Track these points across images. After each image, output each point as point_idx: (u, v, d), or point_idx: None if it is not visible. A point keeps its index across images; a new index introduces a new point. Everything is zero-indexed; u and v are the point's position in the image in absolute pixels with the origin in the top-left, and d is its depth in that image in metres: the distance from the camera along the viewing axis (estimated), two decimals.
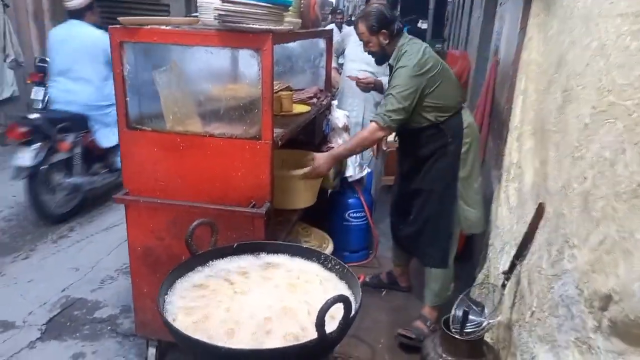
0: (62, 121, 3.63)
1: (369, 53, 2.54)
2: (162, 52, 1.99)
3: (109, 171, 4.01)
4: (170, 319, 1.35)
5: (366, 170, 3.34)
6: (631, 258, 1.00)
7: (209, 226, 1.69)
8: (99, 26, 3.77)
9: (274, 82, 3.04)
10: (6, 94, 5.83)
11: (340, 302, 1.23)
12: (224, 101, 1.99)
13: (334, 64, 4.17)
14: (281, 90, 2.72)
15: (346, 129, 3.14)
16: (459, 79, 5.39)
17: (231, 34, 1.82)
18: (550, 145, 1.70)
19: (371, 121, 2.34)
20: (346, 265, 1.63)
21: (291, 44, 3.13)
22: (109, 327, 2.54)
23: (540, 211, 1.71)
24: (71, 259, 3.20)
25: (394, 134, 2.79)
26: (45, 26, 6.20)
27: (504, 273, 1.90)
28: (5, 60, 5.53)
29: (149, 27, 1.89)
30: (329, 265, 1.68)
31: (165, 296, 1.44)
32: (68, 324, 2.56)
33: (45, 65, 5.58)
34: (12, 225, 3.64)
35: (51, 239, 3.47)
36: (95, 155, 3.93)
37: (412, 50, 2.32)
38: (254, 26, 1.78)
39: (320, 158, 2.42)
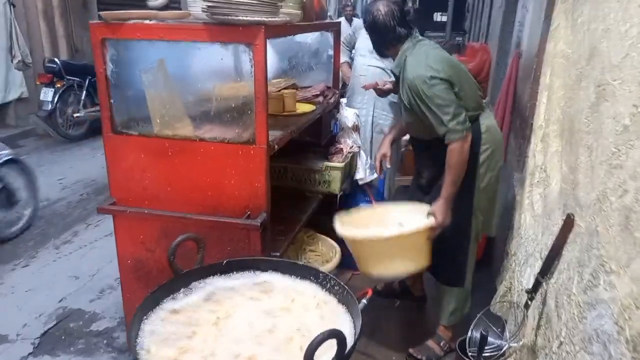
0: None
1: None
2: (148, 49, 1.83)
3: None
4: (142, 354, 1.19)
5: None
6: None
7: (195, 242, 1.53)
8: None
9: (277, 80, 2.89)
10: (14, 95, 5.81)
11: (332, 338, 1.05)
12: (216, 102, 1.82)
13: (346, 59, 3.98)
14: (284, 88, 2.55)
15: (356, 128, 2.94)
16: (478, 73, 5.16)
17: (220, 27, 1.65)
18: (581, 149, 1.48)
19: (449, 143, 2.00)
20: (346, 287, 1.45)
21: (298, 38, 2.96)
22: (104, 341, 2.41)
23: (568, 224, 1.50)
24: (72, 267, 3.08)
25: (408, 136, 2.59)
26: (55, 25, 6.15)
27: (527, 292, 1.69)
28: (12, 62, 5.48)
29: (132, 22, 1.73)
30: (328, 285, 1.50)
31: (142, 324, 1.29)
32: (63, 337, 2.44)
33: (55, 65, 5.56)
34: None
35: (54, 244, 3.37)
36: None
37: (417, 59, 2.06)
38: (245, 18, 1.61)
39: (439, 209, 2.04)
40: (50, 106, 5.38)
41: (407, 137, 2.67)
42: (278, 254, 2.00)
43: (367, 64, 3.48)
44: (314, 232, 2.71)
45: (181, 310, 1.37)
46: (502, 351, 1.72)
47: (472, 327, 1.83)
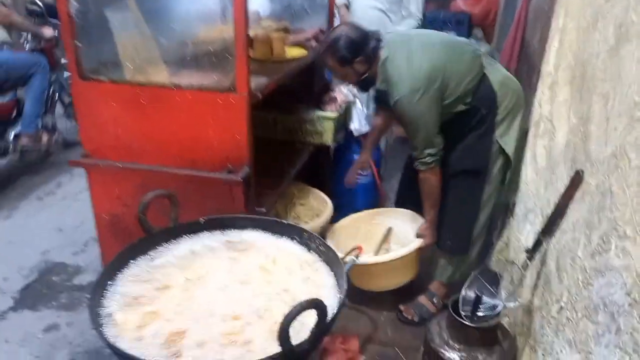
0: None
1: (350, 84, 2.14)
2: None
3: None
4: (106, 321, 1.09)
5: None
6: None
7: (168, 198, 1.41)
8: None
9: (267, 22, 2.68)
10: None
11: (311, 308, 0.95)
12: (192, 45, 1.65)
13: (343, 0, 3.72)
14: (274, 31, 2.36)
15: None
16: (483, 19, 4.89)
17: None
18: (596, 98, 1.33)
19: (418, 170, 2.00)
20: (332, 247, 1.34)
21: None
22: (87, 296, 2.33)
23: (576, 181, 1.37)
24: (56, 219, 2.99)
25: None
26: None
27: (526, 251, 1.59)
28: None
29: None
30: (313, 245, 1.40)
31: (105, 290, 1.18)
32: (45, 291, 2.37)
33: (38, 8, 5.23)
34: None
35: (37, 195, 3.26)
36: None
37: (399, 72, 1.85)
38: None
39: (427, 232, 2.13)
40: None
41: None
42: (263, 209, 1.88)
43: (366, 4, 3.25)
44: (304, 185, 2.59)
45: (151, 271, 1.27)
46: (496, 311, 1.64)
47: (466, 285, 1.74)
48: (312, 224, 2.26)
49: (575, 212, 1.33)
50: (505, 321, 1.74)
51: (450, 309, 1.71)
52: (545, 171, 1.84)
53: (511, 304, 1.60)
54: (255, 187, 1.79)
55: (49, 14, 5.36)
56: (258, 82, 1.74)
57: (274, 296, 1.20)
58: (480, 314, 1.66)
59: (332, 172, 2.94)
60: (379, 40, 1.94)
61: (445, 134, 2.01)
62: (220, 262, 1.32)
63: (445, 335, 1.69)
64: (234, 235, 1.44)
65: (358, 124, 2.88)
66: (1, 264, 2.54)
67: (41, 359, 1.99)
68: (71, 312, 2.24)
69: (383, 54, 1.91)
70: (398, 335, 2.17)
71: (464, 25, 5.75)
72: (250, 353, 1.02)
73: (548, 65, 2.03)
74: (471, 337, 1.64)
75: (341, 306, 1.10)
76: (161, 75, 1.67)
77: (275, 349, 0.95)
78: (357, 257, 1.65)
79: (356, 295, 2.29)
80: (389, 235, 2.40)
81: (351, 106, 2.77)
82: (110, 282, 1.19)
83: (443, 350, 1.66)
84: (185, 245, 1.37)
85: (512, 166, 2.06)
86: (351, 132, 2.88)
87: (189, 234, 1.42)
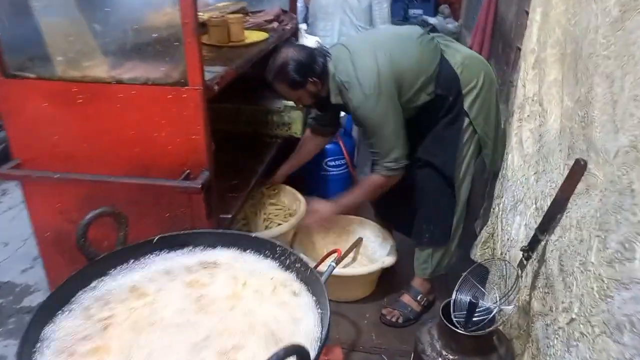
0: None
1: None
2: None
3: None
4: None
5: None
6: None
7: (113, 216, 1.19)
8: None
9: (223, 4, 2.44)
10: None
11: (291, 355, 0.77)
12: (135, 32, 1.41)
13: None
14: (230, 13, 2.13)
15: None
16: None
17: None
18: (597, 79, 1.18)
19: (373, 171, 1.91)
20: (310, 265, 1.16)
21: None
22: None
23: (577, 171, 1.23)
24: (1, 231, 2.70)
25: None
26: None
27: (522, 250, 1.44)
28: None
29: None
30: (287, 262, 1.21)
31: (38, 339, 0.97)
32: None
33: None
34: None
35: None
36: None
37: (348, 79, 1.75)
38: None
39: (321, 204, 2.08)
40: None
41: None
42: (229, 215, 1.69)
43: None
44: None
45: (94, 305, 1.06)
46: (492, 314, 1.50)
47: (457, 287, 1.60)
48: (286, 226, 2.08)
49: (580, 207, 1.19)
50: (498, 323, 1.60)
51: (441, 315, 1.56)
52: (533, 158, 1.70)
53: (509, 308, 1.46)
54: (218, 192, 1.59)
55: None
56: (213, 71, 1.53)
57: (245, 330, 1.01)
58: (475, 318, 1.52)
59: (303, 165, 2.75)
60: (325, 55, 1.84)
61: (414, 127, 1.90)
62: (179, 289, 1.12)
63: (438, 345, 1.55)
64: (194, 255, 1.24)
65: None
66: None
67: None
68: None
69: (331, 68, 1.81)
70: (383, 339, 2.03)
71: (429, 2, 5.61)
72: None
73: (530, 41, 1.88)
74: (466, 346, 1.50)
75: (323, 345, 0.92)
76: (99, 68, 1.43)
77: None
78: (336, 262, 1.48)
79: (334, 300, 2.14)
80: (358, 245, 2.27)
81: None
82: (44, 327, 0.98)
83: None
84: (135, 272, 1.17)
85: (492, 147, 1.93)
86: None
87: (141, 256, 1.21)
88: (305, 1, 3.50)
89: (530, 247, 1.41)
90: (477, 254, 2.12)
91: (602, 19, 1.19)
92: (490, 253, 2.07)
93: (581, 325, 1.05)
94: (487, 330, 1.42)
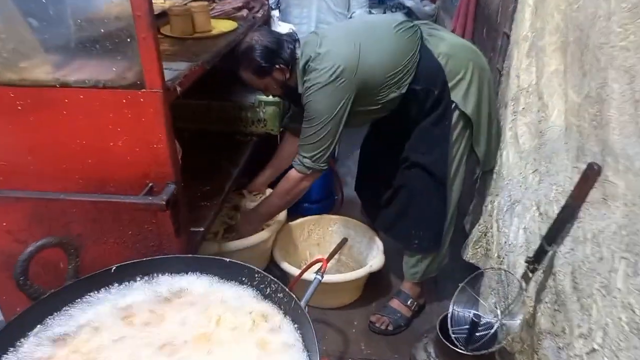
0: None
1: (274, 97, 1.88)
2: None
3: None
4: None
5: None
6: None
7: (61, 247, 1.01)
8: None
9: None
10: None
11: None
12: (80, 27, 1.21)
13: None
14: (193, 0, 1.93)
15: None
16: None
17: None
18: (613, 73, 1.04)
19: (292, 167, 1.77)
20: (293, 295, 1.01)
21: None
22: None
23: (590, 177, 1.10)
24: None
25: None
26: None
27: (527, 262, 1.32)
28: None
29: None
30: (267, 291, 1.06)
31: None
32: None
33: None
34: None
35: None
36: None
37: (310, 60, 1.62)
38: None
39: (240, 224, 2.00)
40: None
41: None
42: (202, 228, 1.52)
43: None
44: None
45: (36, 352, 0.89)
46: (493, 329, 1.38)
47: (453, 300, 1.47)
48: (265, 233, 1.92)
49: (596, 219, 1.06)
50: (500, 337, 1.48)
51: (438, 330, 1.44)
52: (531, 155, 1.58)
53: (515, 324, 1.34)
54: (189, 201, 1.42)
55: None
56: (175, 69, 1.34)
57: None
58: (476, 334, 1.40)
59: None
60: (294, 41, 1.71)
61: (400, 124, 1.77)
62: (139, 329, 0.96)
63: None
64: (159, 285, 1.08)
65: None
66: None
67: None
68: None
69: (298, 54, 1.68)
70: (373, 349, 1.90)
71: None
72: None
73: (523, 27, 1.74)
74: None
75: None
76: (40, 69, 1.23)
77: None
78: (321, 274, 1.34)
79: (320, 309, 2.00)
80: (343, 246, 2.13)
81: None
82: None
83: None
84: (90, 308, 1.00)
85: (485, 143, 1.80)
86: None
87: (96, 289, 1.04)
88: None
89: (536, 259, 1.28)
90: (469, 253, 2.01)
91: (617, 4, 1.05)
92: (483, 253, 1.96)
93: (605, 355, 0.93)
94: (491, 350, 1.30)
